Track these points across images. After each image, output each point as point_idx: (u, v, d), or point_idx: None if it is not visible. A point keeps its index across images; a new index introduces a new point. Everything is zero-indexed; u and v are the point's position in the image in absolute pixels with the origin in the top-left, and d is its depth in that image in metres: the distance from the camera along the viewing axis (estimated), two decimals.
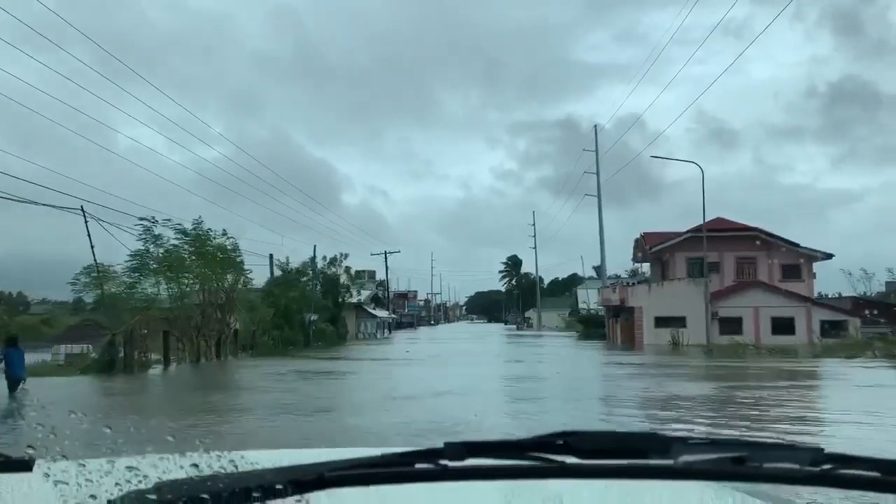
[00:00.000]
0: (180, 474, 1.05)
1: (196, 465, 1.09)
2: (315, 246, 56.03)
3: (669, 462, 0.98)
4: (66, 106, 42.96)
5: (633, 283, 47.11)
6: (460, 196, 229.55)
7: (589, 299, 62.00)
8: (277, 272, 51.34)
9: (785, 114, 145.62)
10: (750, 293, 43.37)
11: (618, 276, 63.90)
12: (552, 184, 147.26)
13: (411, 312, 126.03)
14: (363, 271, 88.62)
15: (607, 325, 51.27)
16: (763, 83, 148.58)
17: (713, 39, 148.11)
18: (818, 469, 0.99)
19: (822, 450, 1.02)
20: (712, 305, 43.61)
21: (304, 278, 57.33)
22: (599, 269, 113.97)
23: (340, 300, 59.09)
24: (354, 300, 61.01)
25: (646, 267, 57.96)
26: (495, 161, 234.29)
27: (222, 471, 1.07)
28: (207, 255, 29.79)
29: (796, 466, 0.99)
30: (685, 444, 1.01)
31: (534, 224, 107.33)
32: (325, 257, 59.18)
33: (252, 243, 52.70)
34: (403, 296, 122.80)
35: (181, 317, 28.14)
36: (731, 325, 43.11)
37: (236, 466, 1.10)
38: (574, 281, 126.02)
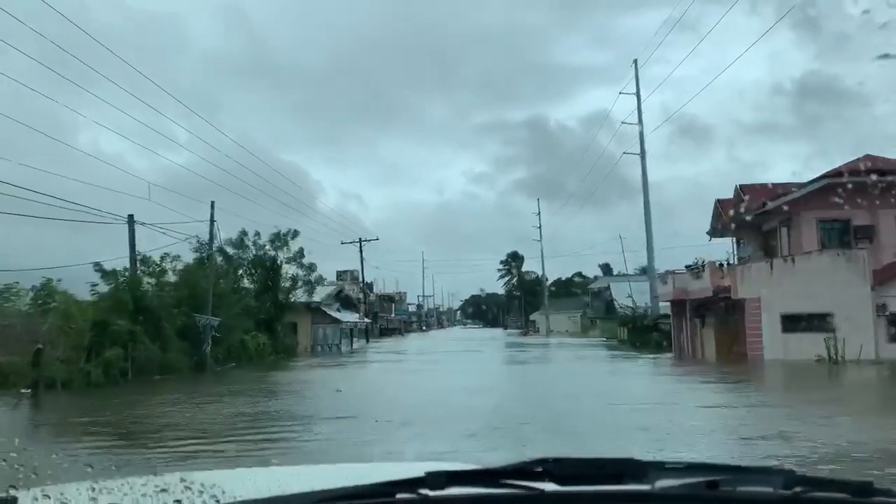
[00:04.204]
0: None
1: (179, 502, 1.10)
2: (213, 202, 34.88)
3: (647, 487, 0.99)
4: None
5: (742, 263, 29.42)
6: (449, 200, 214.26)
7: (633, 294, 44.33)
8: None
9: (754, 111, 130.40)
10: None
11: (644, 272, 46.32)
12: (543, 186, 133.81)
13: (400, 317, 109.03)
14: (345, 272, 72.44)
15: (683, 329, 33.35)
16: (735, 80, 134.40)
17: (679, 37, 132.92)
18: (790, 492, 0.99)
19: (794, 472, 1.03)
20: (872, 295, 26.25)
21: (240, 261, 40.69)
22: (606, 267, 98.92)
23: (283, 299, 41.26)
24: (304, 299, 43.09)
25: (714, 250, 40.26)
26: (479, 164, 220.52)
27: None
28: None
29: (769, 490, 1.00)
30: (662, 468, 1.02)
31: (539, 213, 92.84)
32: (258, 234, 41.21)
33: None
34: (389, 298, 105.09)
35: None
36: None
37: (218, 501, 1.10)
38: (574, 281, 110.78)
